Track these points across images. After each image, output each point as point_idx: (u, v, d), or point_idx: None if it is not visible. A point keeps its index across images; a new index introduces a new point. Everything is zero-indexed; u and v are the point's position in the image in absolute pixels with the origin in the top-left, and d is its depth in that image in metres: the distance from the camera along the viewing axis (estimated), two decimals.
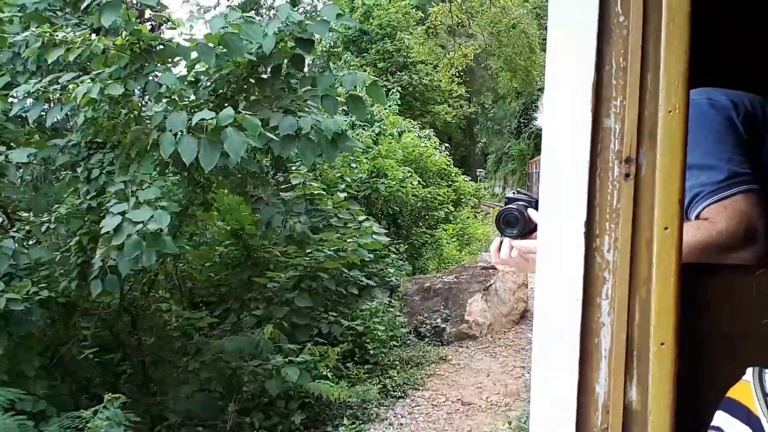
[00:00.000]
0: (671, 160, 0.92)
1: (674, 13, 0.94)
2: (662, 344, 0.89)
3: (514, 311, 7.77)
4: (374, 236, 5.83)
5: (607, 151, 0.97)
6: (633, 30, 0.97)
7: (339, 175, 8.35)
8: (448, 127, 26.61)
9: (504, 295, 7.69)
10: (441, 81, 25.17)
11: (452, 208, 11.80)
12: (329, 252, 5.41)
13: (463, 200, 14.65)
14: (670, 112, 0.92)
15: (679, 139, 0.93)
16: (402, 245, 9.64)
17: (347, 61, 22.92)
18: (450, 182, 13.48)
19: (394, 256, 7.71)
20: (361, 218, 6.18)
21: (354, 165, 9.05)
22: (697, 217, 1.06)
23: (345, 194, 7.57)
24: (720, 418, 0.63)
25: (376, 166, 9.47)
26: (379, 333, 6.00)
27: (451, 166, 14.44)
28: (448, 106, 25.60)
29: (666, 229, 0.86)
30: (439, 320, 7.00)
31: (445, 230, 12.19)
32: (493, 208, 40.06)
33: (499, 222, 1.27)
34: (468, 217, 15.72)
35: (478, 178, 32.54)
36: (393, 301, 7.09)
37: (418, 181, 10.80)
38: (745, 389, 0.61)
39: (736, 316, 0.77)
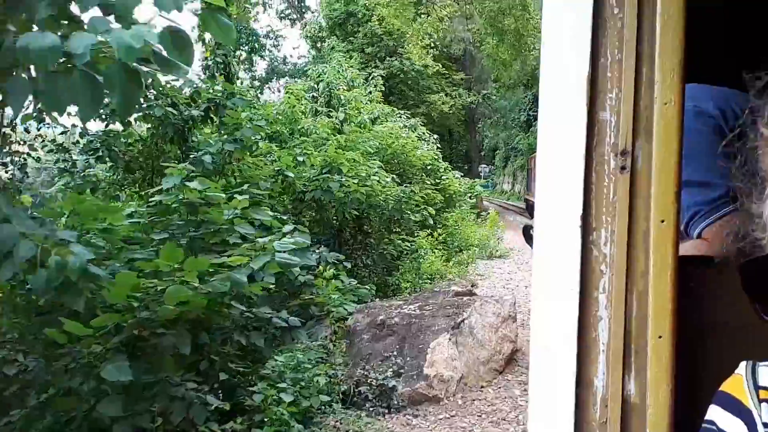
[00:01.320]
0: (667, 153, 0.99)
1: (669, 5, 1.00)
2: (660, 337, 0.96)
3: (496, 356, 6.08)
4: (281, 257, 4.46)
5: (603, 144, 1.05)
6: (628, 22, 1.04)
7: (277, 170, 7.68)
8: (446, 119, 26.85)
9: (482, 334, 6.06)
10: (419, 60, 25.04)
11: (432, 211, 11.12)
12: (201, 285, 3.75)
13: (454, 200, 14.75)
14: (665, 104, 0.99)
15: (675, 132, 1.00)
16: (365, 258, 9.31)
17: (333, 46, 23.12)
18: (437, 180, 13.52)
19: (343, 278, 6.93)
20: (286, 229, 5.20)
21: (301, 158, 8.44)
22: (699, 236, 1.17)
23: (273, 196, 7.11)
24: (713, 411, 0.67)
25: (329, 159, 8.62)
26: (282, 411, 4.32)
27: (439, 161, 14.51)
28: (445, 95, 25.75)
29: (662, 221, 0.91)
30: (389, 374, 5.48)
31: (426, 237, 11.78)
32: (495, 206, 40.51)
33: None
34: (462, 219, 15.74)
35: (482, 175, 32.71)
36: (333, 343, 5.98)
37: (393, 178, 10.25)
38: (737, 383, 0.65)
39: (735, 307, 0.82)
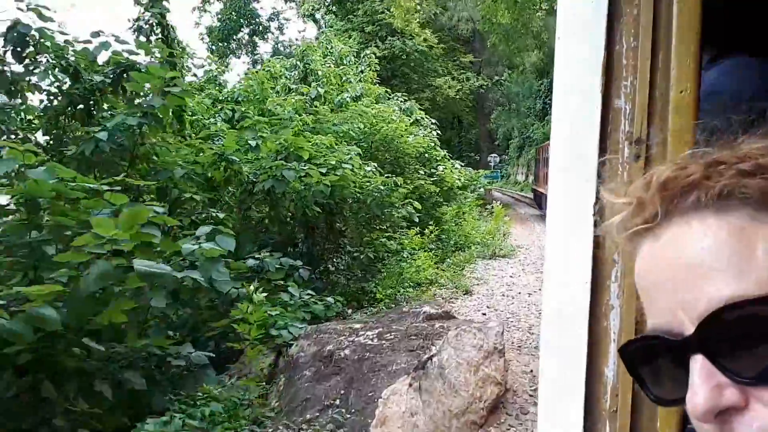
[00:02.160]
0: (682, 141, 1.02)
1: None
2: None
3: (475, 404, 4.71)
4: (144, 266, 3.62)
5: (617, 132, 1.09)
6: (644, 9, 1.07)
7: (218, 154, 6.87)
8: (453, 104, 27.16)
9: (456, 375, 4.72)
10: (402, 23, 24.72)
11: (418, 206, 10.47)
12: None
13: (453, 193, 14.58)
14: (681, 92, 1.03)
15: (690, 120, 1.04)
16: (338, 262, 8.78)
17: (331, 24, 23.42)
18: (433, 170, 13.47)
19: (293, 290, 6.16)
20: (201, 231, 4.55)
21: (253, 142, 7.59)
22: None
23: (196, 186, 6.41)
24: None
25: (286, 144, 7.79)
26: None
27: (436, 149, 14.48)
28: (452, 78, 26.08)
29: None
30: None
31: (416, 236, 11.17)
32: (508, 197, 40.63)
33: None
34: (464, 213, 15.68)
35: (491, 165, 32.78)
36: (265, 381, 5.01)
37: (374, 168, 9.54)
38: None
39: None
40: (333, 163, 8.00)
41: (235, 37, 38.70)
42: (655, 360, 0.56)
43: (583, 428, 1.09)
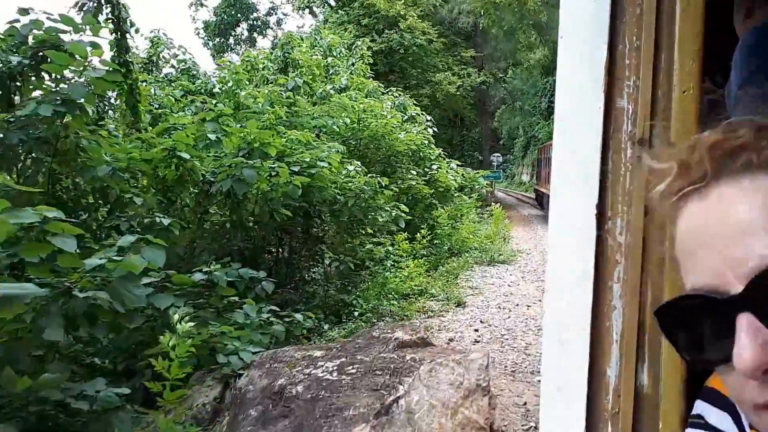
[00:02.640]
0: (685, 142, 1.05)
1: None
2: None
3: None
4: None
5: (620, 133, 1.11)
6: (647, 9, 1.11)
7: (169, 149, 6.34)
8: (454, 101, 26.85)
9: (428, 422, 4.03)
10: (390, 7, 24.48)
11: (405, 209, 9.99)
12: None
13: (448, 194, 14.24)
14: (684, 92, 1.04)
15: (693, 120, 1.05)
16: (314, 272, 8.34)
17: (327, 17, 23.11)
18: (425, 169, 13.14)
19: (249, 309, 5.49)
20: (125, 241, 4.11)
21: (213, 135, 7.12)
22: None
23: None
24: (700, 405, 0.76)
25: (250, 139, 7.24)
26: None
27: (430, 147, 14.20)
28: (452, 74, 25.75)
29: None
30: None
31: (405, 241, 10.63)
32: (513, 197, 40.35)
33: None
34: (461, 216, 15.35)
35: (494, 164, 32.65)
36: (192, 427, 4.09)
37: (358, 167, 9.13)
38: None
39: None
40: (307, 160, 7.40)
41: (233, 33, 38.40)
42: (695, 320, 0.57)
43: (584, 429, 1.10)
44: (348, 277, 8.80)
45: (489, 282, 12.90)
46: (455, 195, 14.50)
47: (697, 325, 0.57)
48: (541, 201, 24.57)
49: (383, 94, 15.39)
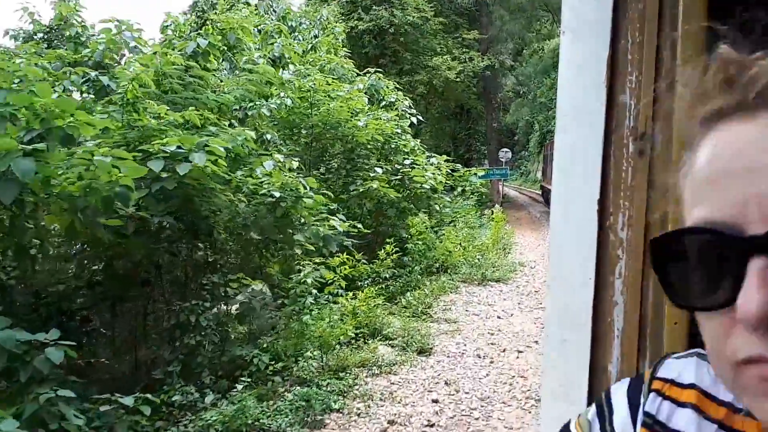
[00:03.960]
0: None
1: None
2: (675, 323, 1.09)
3: None
4: None
5: (622, 128, 1.18)
6: (649, 3, 1.17)
7: None
8: (454, 89, 24.35)
9: None
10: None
11: (335, 223, 7.96)
12: None
13: (424, 198, 12.18)
14: (686, 87, 0.90)
15: None
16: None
17: None
18: (396, 166, 11.11)
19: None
20: None
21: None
22: None
23: None
24: (616, 386, 0.78)
25: (42, 112, 5.02)
26: None
27: (404, 138, 12.39)
28: (452, 58, 23.13)
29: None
30: None
31: (342, 268, 8.39)
32: (526, 196, 38.18)
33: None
34: (448, 222, 12.82)
35: (503, 161, 30.96)
36: None
37: (282, 165, 7.37)
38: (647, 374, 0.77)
39: None
40: (170, 150, 5.48)
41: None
42: (695, 256, 0.54)
43: None
44: (258, 319, 6.92)
45: (473, 312, 10.42)
46: (437, 197, 11.87)
47: (699, 263, 0.53)
48: (547, 198, 24.67)
49: (358, 75, 12.93)
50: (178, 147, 5.54)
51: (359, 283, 9.29)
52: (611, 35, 1.16)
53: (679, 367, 0.73)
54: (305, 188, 7.25)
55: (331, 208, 9.50)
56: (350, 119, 10.17)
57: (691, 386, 0.70)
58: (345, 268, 8.10)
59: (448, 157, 14.81)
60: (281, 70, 9.51)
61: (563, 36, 1.27)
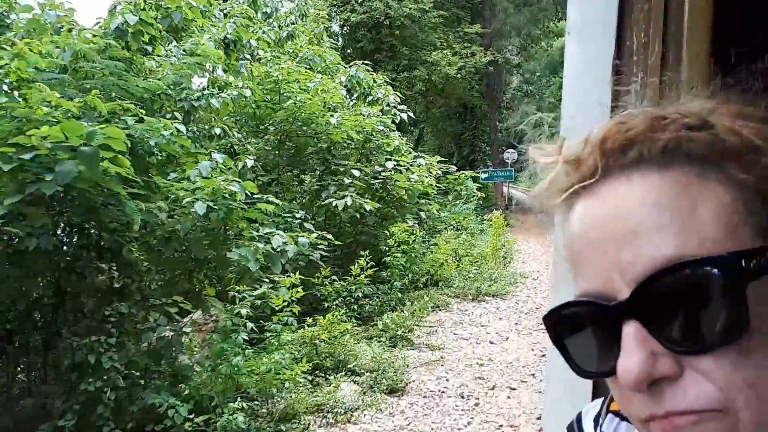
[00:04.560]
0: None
1: None
2: None
3: None
4: None
5: None
6: (655, 4, 1.17)
7: None
8: (455, 86, 23.06)
9: None
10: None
11: (283, 240, 6.54)
12: None
13: (406, 204, 10.96)
14: (692, 89, 0.84)
15: None
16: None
17: None
18: (376, 168, 9.93)
19: None
20: None
21: None
22: None
23: None
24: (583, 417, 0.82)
25: None
26: None
27: (387, 136, 11.08)
28: (453, 53, 21.86)
29: None
30: None
31: (292, 290, 6.84)
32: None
33: None
34: (438, 231, 11.53)
35: (508, 162, 29.59)
36: None
37: (224, 166, 6.20)
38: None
39: None
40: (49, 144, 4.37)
41: None
42: (583, 328, 0.57)
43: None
44: (180, 358, 5.60)
45: (462, 336, 9.13)
46: (424, 202, 10.61)
47: (586, 334, 0.57)
48: None
49: (345, 68, 11.72)
50: (59, 142, 4.39)
51: (327, 304, 8.09)
52: (616, 36, 1.19)
53: None
54: (249, 196, 6.02)
55: (297, 216, 8.27)
56: (323, 114, 8.97)
57: None
58: (296, 292, 6.62)
59: (442, 159, 13.60)
60: (237, 55, 8.34)
61: (568, 36, 1.30)
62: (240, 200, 5.65)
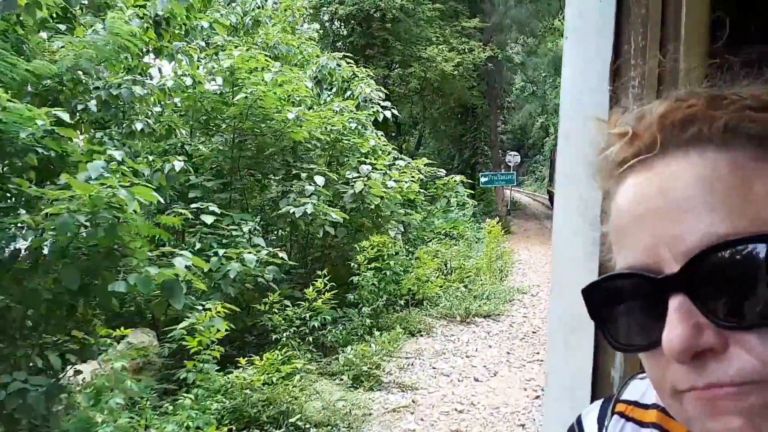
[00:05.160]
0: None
1: None
2: None
3: None
4: None
5: None
6: (652, 8, 1.20)
7: None
8: (452, 84, 21.68)
9: None
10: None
11: (187, 263, 5.19)
12: None
13: (383, 212, 9.28)
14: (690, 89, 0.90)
15: None
16: None
17: None
18: (348, 174, 8.64)
19: None
20: None
21: None
22: None
23: None
24: (587, 411, 0.82)
25: None
26: None
27: (362, 135, 9.60)
28: (449, 49, 20.54)
29: None
30: None
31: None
32: (540, 203, 35.78)
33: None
34: (422, 241, 10.15)
35: (510, 165, 28.40)
36: None
37: (116, 167, 4.99)
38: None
39: None
40: None
41: None
42: (624, 301, 0.58)
43: None
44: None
45: (442, 371, 7.85)
46: (402, 212, 9.32)
47: (627, 307, 0.58)
48: (554, 202, 22.53)
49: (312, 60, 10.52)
50: None
51: (276, 336, 6.79)
52: (614, 39, 1.22)
53: (643, 388, 0.76)
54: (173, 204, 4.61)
55: (244, 228, 6.99)
56: (282, 109, 7.74)
57: (654, 406, 0.72)
58: (208, 333, 5.27)
59: (443, 162, 12.34)
60: (172, 37, 7.05)
61: (566, 39, 1.32)
62: (137, 211, 4.37)
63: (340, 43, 22.02)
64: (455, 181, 11.52)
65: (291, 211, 7.13)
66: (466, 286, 11.13)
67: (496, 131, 27.40)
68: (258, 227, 7.17)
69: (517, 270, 15.84)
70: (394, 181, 8.68)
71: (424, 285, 9.57)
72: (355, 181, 7.86)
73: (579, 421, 0.80)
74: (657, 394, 0.59)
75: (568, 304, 1.24)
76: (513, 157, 32.15)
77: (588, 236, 1.22)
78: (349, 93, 10.36)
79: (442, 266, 11.05)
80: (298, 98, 8.45)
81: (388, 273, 8.58)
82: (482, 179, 25.80)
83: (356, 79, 10.65)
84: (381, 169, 8.71)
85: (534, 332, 9.81)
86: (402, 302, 9.47)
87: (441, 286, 10.00)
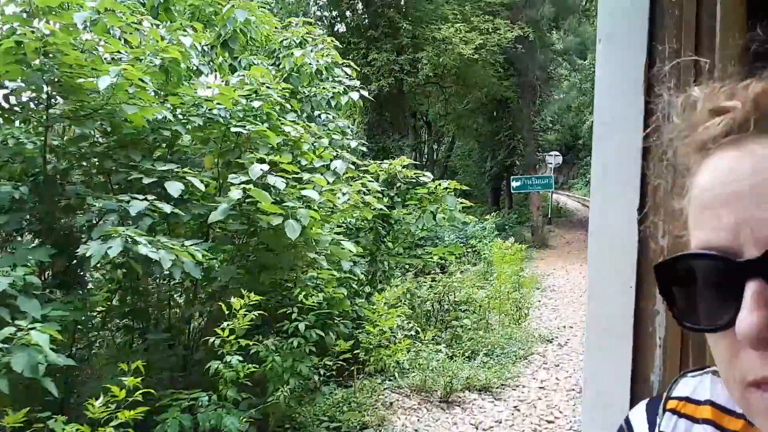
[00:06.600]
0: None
1: None
2: None
3: None
4: None
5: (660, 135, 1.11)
6: (686, 10, 1.19)
7: None
8: (474, 71, 18.43)
9: None
10: None
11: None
12: None
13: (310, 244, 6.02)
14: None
15: None
16: None
17: None
18: (230, 178, 5.17)
19: None
20: None
21: None
22: None
23: None
24: (635, 410, 0.80)
25: None
26: None
27: (280, 118, 6.16)
28: (468, 28, 17.29)
29: None
30: None
31: None
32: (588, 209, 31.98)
33: None
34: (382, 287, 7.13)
35: (551, 167, 25.83)
36: None
37: None
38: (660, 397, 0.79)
39: None
40: None
41: None
42: (696, 281, 0.57)
43: None
44: None
45: None
46: (331, 238, 6.14)
47: (700, 287, 0.57)
48: None
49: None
50: None
51: None
52: (648, 43, 1.21)
53: (694, 385, 0.76)
54: None
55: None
56: (96, 69, 4.54)
57: (707, 402, 0.72)
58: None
59: (475, 166, 9.07)
60: None
61: (599, 43, 1.31)
62: None
63: (341, 25, 19.00)
64: (442, 189, 8.23)
65: (87, 255, 4.04)
66: (452, 339, 7.83)
67: (530, 128, 23.71)
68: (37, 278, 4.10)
69: (545, 302, 12.37)
70: (315, 190, 5.36)
71: (378, 350, 6.33)
72: (229, 189, 4.69)
73: (627, 420, 0.80)
74: (723, 382, 0.58)
75: (606, 306, 1.24)
76: (554, 158, 28.48)
77: (625, 239, 1.21)
78: (275, 60, 7.27)
79: (418, 312, 7.82)
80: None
81: (293, 345, 5.27)
82: (514, 184, 22.31)
83: (294, 40, 7.45)
84: (295, 173, 5.40)
85: (552, 420, 6.45)
86: (350, 372, 6.29)
87: (410, 348, 6.74)
